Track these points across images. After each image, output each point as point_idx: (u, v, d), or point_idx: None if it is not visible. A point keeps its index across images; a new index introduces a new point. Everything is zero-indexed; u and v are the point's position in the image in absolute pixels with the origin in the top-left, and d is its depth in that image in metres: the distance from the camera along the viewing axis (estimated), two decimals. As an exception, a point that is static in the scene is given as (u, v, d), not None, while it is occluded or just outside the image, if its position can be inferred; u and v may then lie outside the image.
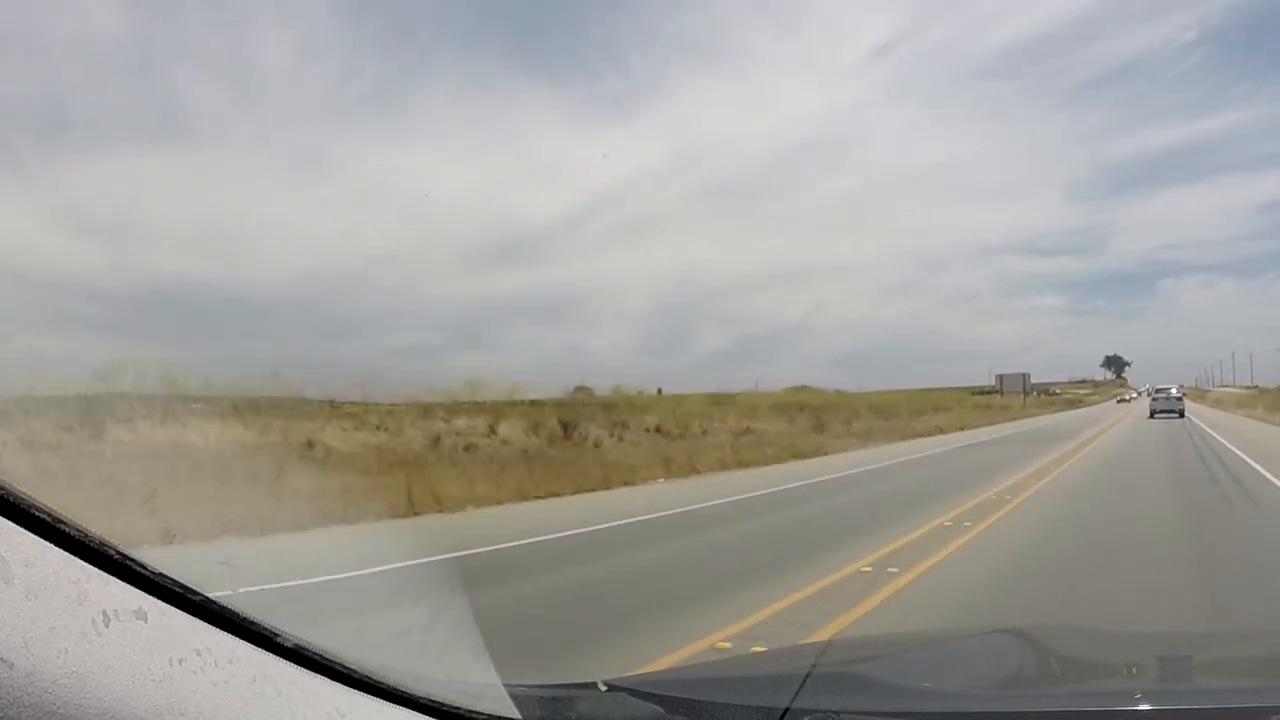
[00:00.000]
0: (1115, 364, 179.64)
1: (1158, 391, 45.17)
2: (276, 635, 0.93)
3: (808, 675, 1.55)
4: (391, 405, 21.44)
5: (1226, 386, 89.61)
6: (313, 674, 0.96)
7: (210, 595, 0.88)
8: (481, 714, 1.19)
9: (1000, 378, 69.40)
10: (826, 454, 21.48)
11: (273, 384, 17.69)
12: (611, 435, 21.68)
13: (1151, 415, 40.49)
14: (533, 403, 24.24)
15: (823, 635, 4.76)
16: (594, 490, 13.61)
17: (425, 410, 21.37)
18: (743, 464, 18.41)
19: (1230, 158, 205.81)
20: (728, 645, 4.70)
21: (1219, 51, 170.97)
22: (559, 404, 25.29)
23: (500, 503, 11.90)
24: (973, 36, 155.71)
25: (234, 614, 0.89)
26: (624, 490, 13.94)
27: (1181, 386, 47.53)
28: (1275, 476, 13.15)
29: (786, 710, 1.32)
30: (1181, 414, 39.56)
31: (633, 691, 1.45)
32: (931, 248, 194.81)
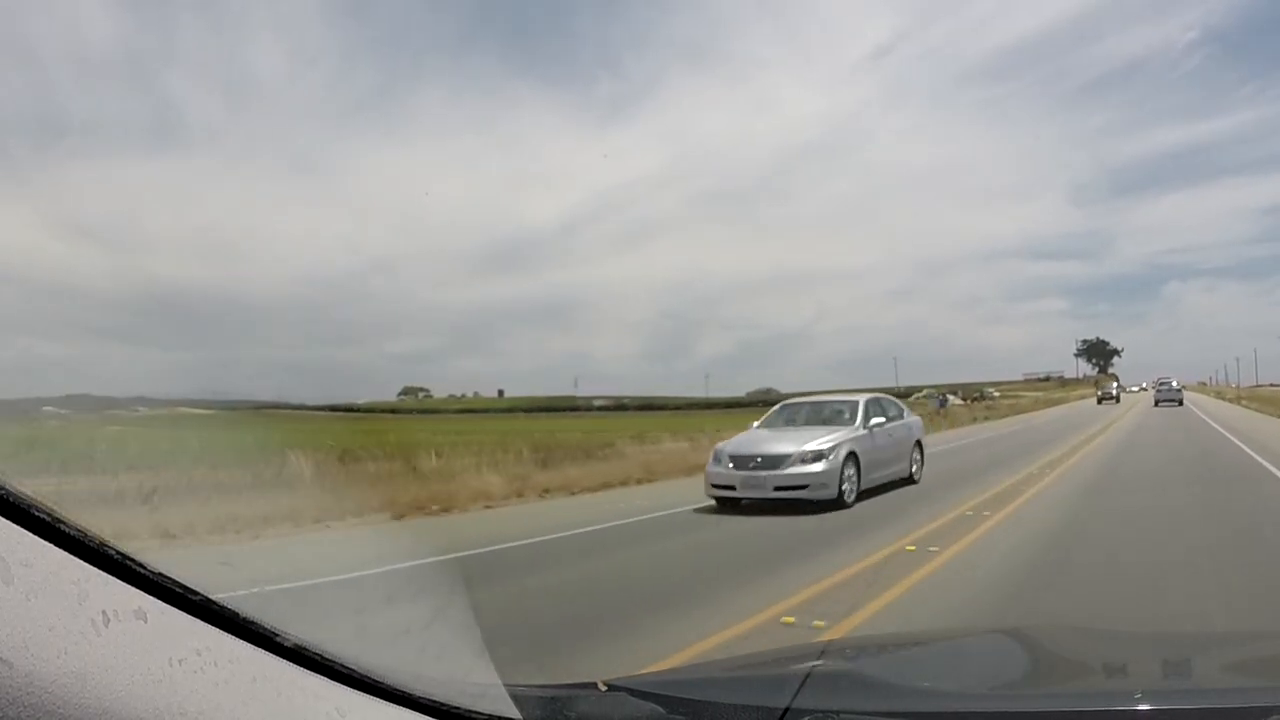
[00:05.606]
0: (1097, 352, 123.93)
1: (1161, 384, 55.56)
2: (276, 635, 0.93)
3: (808, 675, 1.55)
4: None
5: (1264, 386, 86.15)
6: (312, 674, 0.96)
7: (210, 595, 0.88)
8: (482, 714, 1.19)
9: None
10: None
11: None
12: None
13: (1156, 404, 47.61)
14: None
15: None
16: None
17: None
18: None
19: (1234, 160, 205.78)
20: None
21: (1223, 52, 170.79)
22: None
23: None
24: (973, 38, 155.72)
25: (234, 614, 0.89)
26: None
27: (1179, 381, 58.16)
28: None
29: (786, 710, 1.32)
30: (1180, 402, 47.01)
31: (633, 691, 1.45)
32: (935, 252, 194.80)
